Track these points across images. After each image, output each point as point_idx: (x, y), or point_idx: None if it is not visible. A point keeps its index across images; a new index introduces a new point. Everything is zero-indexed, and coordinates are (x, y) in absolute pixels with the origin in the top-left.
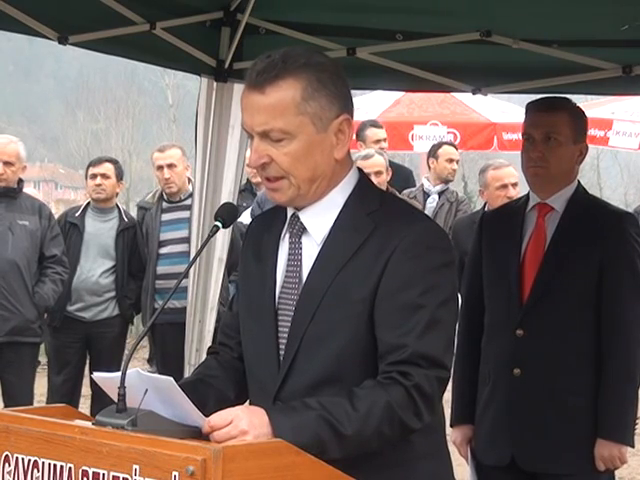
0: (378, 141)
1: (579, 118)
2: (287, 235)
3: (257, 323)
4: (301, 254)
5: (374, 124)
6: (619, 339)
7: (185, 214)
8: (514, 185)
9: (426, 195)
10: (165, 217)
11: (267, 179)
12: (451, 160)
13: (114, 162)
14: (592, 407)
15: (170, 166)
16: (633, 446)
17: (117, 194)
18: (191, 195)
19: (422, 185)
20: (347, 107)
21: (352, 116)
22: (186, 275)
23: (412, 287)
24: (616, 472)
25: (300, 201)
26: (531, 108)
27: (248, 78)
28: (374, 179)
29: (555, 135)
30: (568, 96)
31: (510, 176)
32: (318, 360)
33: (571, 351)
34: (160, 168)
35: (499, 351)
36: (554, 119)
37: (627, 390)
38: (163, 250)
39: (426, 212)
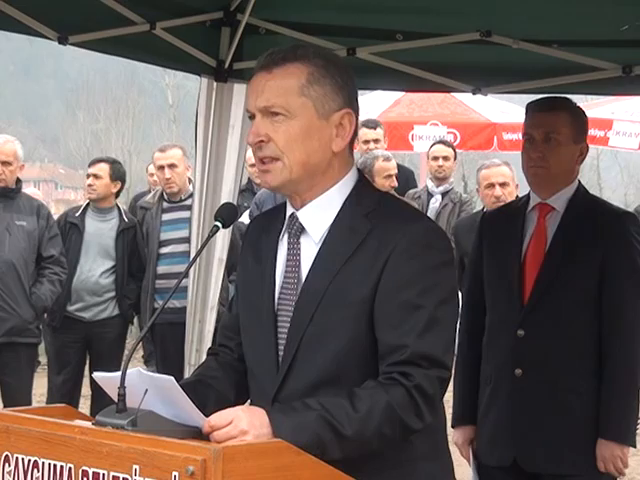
0: (367, 142)
1: (579, 118)
2: (285, 235)
3: (256, 325)
4: (300, 254)
5: (367, 124)
6: (620, 339)
7: (186, 214)
8: (502, 185)
9: (430, 196)
10: (166, 217)
11: (261, 161)
12: (435, 158)
13: (111, 162)
14: (594, 407)
15: (171, 166)
16: (635, 446)
17: (115, 194)
18: (192, 195)
19: (426, 186)
20: (351, 103)
21: (356, 114)
22: (186, 275)
23: (411, 287)
24: None
25: (292, 187)
26: (531, 108)
27: (257, 63)
28: (391, 181)
29: (555, 135)
30: (568, 96)
31: (498, 175)
32: (317, 361)
33: (572, 351)
34: (161, 168)
35: (500, 351)
36: (554, 119)
37: (629, 390)
38: (163, 250)
39: (429, 212)
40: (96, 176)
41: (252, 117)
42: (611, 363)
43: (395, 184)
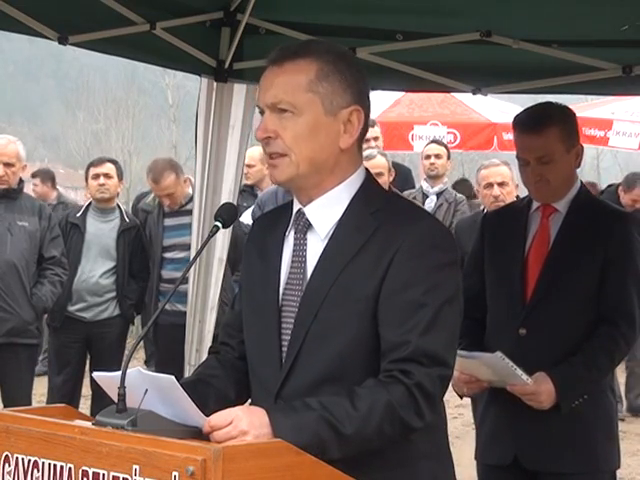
0: (367, 140)
1: (568, 125)
2: (292, 232)
3: (260, 321)
4: (306, 250)
5: None
6: (618, 333)
7: (188, 219)
8: (501, 184)
9: (425, 196)
10: (168, 222)
11: (270, 156)
12: (428, 156)
13: (114, 162)
14: (594, 406)
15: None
16: (565, 412)
17: (118, 194)
18: (192, 199)
19: (421, 186)
20: (361, 100)
21: (365, 111)
22: (186, 276)
23: (415, 285)
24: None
25: (299, 182)
26: (517, 128)
27: (269, 57)
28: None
29: (548, 157)
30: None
31: (496, 175)
32: (320, 358)
33: (573, 350)
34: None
35: (501, 350)
36: (543, 141)
37: (600, 370)
38: (168, 255)
39: None
40: (107, 175)
41: (262, 112)
42: (602, 344)
43: (382, 182)
